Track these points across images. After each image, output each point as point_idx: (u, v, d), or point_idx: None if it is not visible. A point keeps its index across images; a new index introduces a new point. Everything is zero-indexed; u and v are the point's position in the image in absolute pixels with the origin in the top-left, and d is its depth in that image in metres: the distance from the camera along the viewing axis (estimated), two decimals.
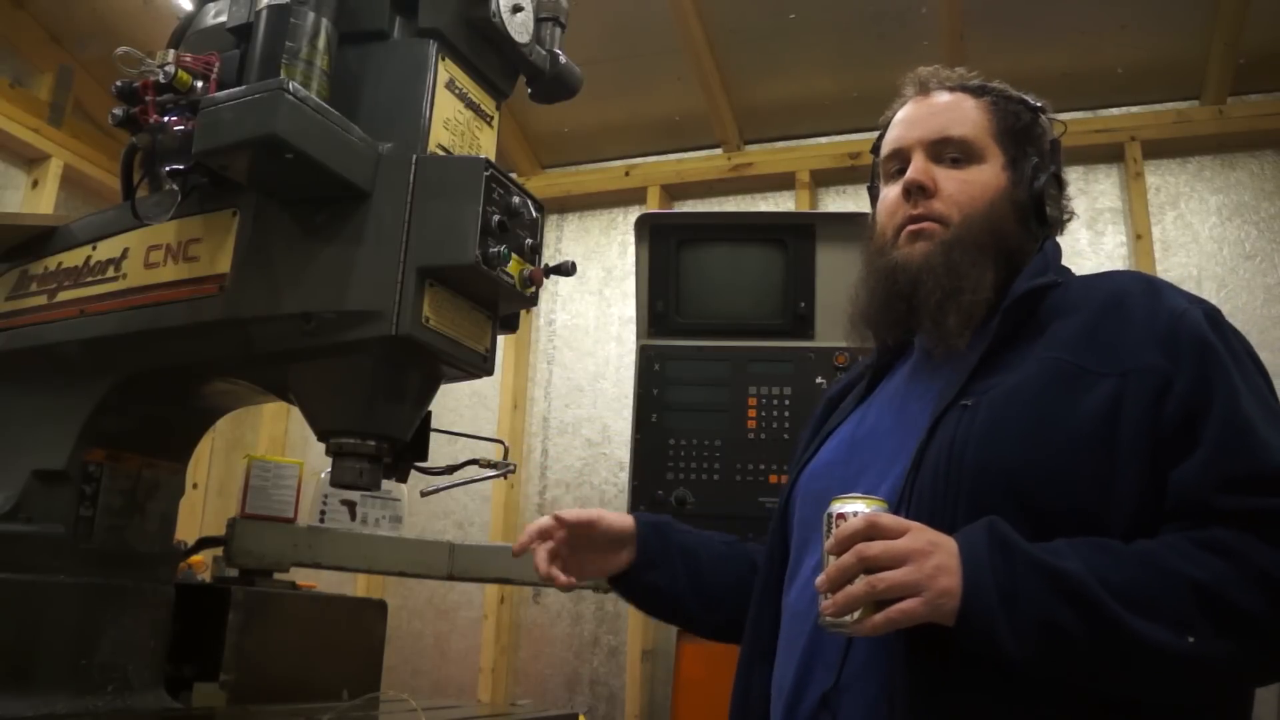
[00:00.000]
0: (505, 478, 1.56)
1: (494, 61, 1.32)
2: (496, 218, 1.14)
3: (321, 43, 1.15)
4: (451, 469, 1.47)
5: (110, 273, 1.32)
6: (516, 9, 1.28)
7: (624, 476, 3.16)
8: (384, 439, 1.25)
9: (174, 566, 1.53)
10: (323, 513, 2.05)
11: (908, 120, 1.14)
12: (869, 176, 1.23)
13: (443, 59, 1.23)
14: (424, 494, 1.60)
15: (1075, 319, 0.98)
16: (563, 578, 1.11)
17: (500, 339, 1.35)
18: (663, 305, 2.20)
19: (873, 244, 1.13)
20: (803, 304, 2.14)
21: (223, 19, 1.25)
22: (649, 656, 3.05)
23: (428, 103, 1.21)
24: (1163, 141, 2.99)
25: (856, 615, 0.84)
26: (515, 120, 3.47)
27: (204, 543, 1.81)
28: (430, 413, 1.35)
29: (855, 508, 0.87)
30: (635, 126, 3.46)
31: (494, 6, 1.24)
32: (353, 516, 2.07)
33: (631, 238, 2.47)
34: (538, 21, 1.35)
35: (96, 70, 3.26)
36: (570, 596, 3.24)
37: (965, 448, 0.92)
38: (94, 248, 1.35)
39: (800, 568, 1.05)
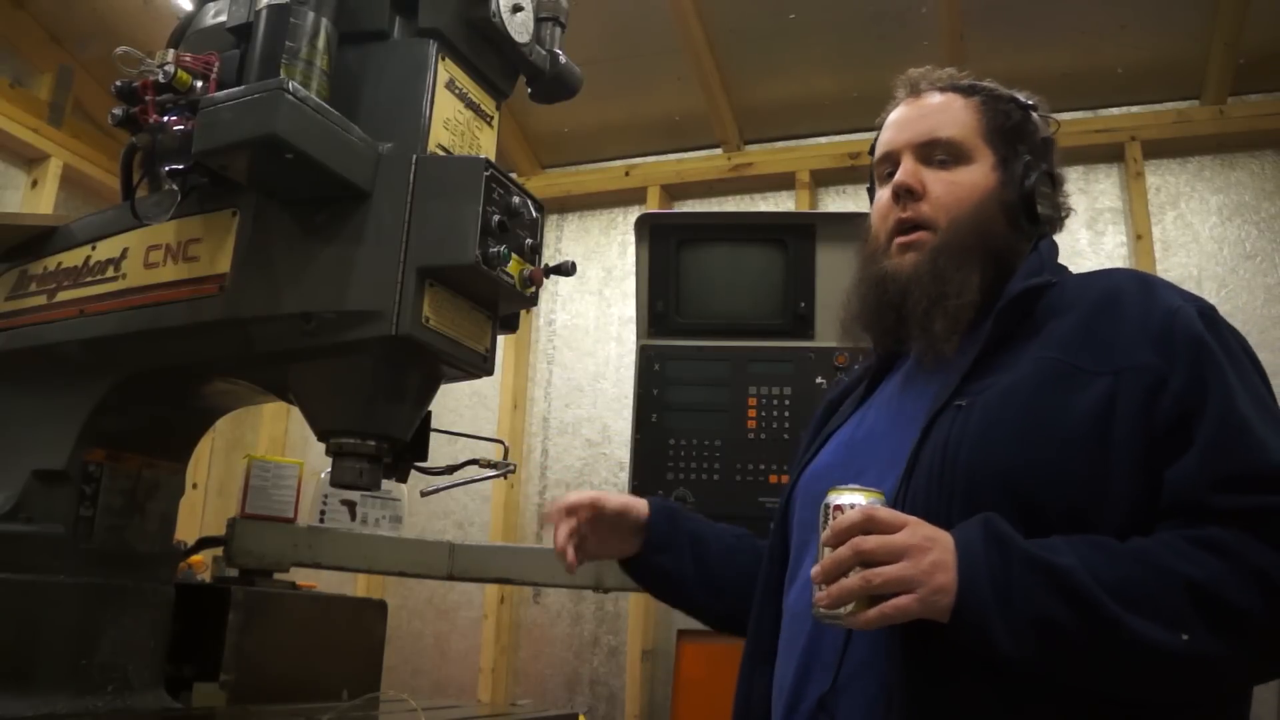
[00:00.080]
0: (505, 478, 1.57)
1: (494, 61, 1.32)
2: (496, 218, 1.14)
3: (321, 43, 1.15)
4: (451, 469, 1.47)
5: (110, 273, 1.32)
6: (516, 9, 1.28)
7: (624, 476, 3.16)
8: (384, 439, 1.25)
9: (174, 566, 1.53)
10: (323, 513, 2.05)
11: (898, 123, 1.14)
12: (868, 177, 1.24)
13: (443, 59, 1.23)
14: (424, 494, 1.61)
15: (1070, 318, 0.98)
16: (572, 555, 1.14)
17: (500, 339, 1.35)
18: (663, 305, 2.20)
19: (866, 248, 1.14)
20: (803, 304, 2.14)
21: (222, 19, 1.25)
22: (649, 656, 3.05)
23: (428, 103, 1.21)
24: (1163, 141, 2.99)
25: (850, 608, 0.84)
26: (515, 120, 3.47)
27: (204, 543, 1.81)
28: (430, 413, 1.35)
29: (852, 499, 0.87)
30: (635, 126, 3.46)
31: (494, 6, 1.24)
32: (353, 516, 2.07)
33: (631, 238, 2.47)
34: (538, 21, 1.34)
35: (96, 70, 3.26)
36: (570, 596, 3.24)
37: (959, 448, 0.92)
38: (94, 248, 1.35)
39: (800, 569, 1.05)
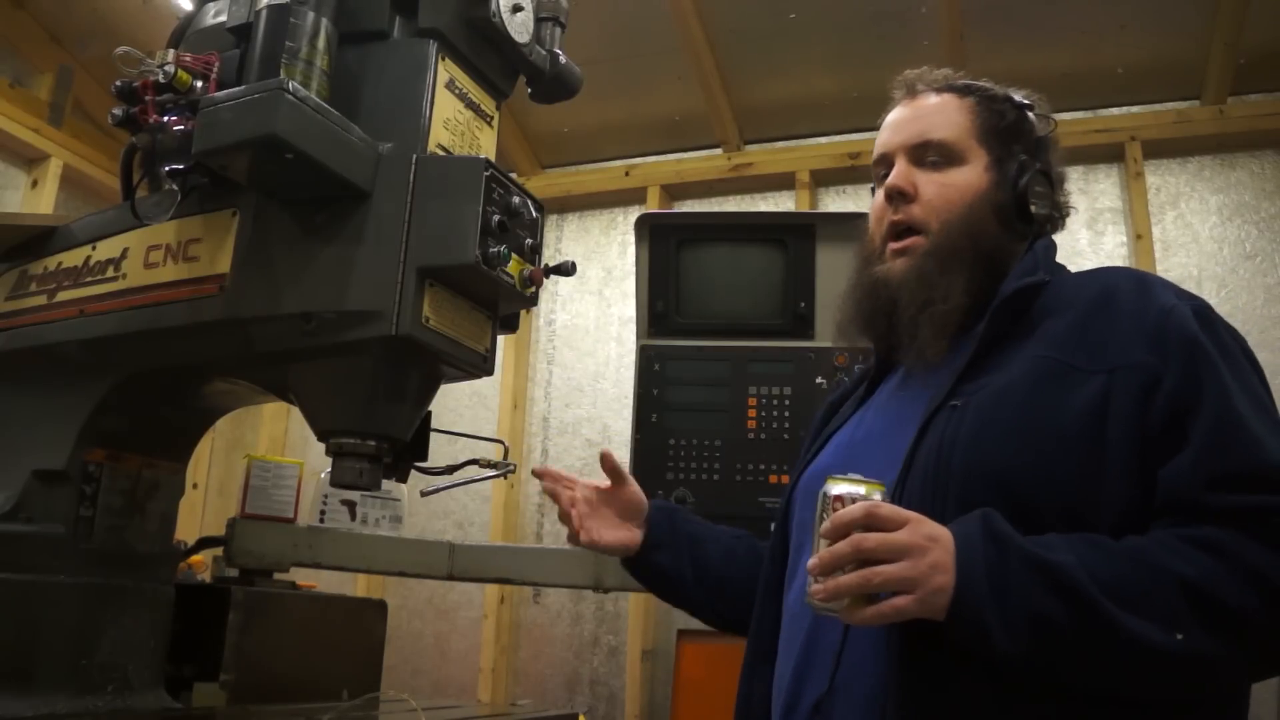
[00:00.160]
0: (505, 478, 1.57)
1: (494, 61, 1.32)
2: (496, 218, 1.14)
3: (321, 43, 1.15)
4: (451, 469, 1.47)
5: (110, 273, 1.32)
6: (516, 9, 1.28)
7: None
8: (384, 439, 1.25)
9: (174, 566, 1.53)
10: (323, 513, 2.05)
11: (893, 125, 1.14)
12: (869, 176, 1.24)
13: (443, 59, 1.23)
14: (424, 494, 1.60)
15: (1066, 317, 0.97)
16: (577, 523, 1.23)
17: (500, 339, 1.35)
18: (663, 305, 2.20)
19: (863, 250, 1.15)
20: (803, 304, 2.14)
21: (222, 19, 1.25)
22: (649, 656, 3.05)
23: (428, 103, 1.21)
24: (1163, 141, 2.99)
25: (845, 602, 0.83)
26: (515, 120, 3.47)
27: (204, 543, 1.81)
28: (430, 413, 1.35)
29: (850, 489, 0.87)
30: (635, 126, 3.46)
31: (494, 6, 1.24)
32: (353, 516, 2.07)
33: (631, 238, 2.47)
34: (538, 21, 1.34)
35: (96, 70, 3.26)
36: (570, 596, 3.24)
37: (953, 449, 0.92)
38: (94, 248, 1.35)
39: (798, 570, 1.05)
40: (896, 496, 0.92)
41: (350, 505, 2.06)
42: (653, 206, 3.40)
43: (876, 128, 1.19)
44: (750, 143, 3.43)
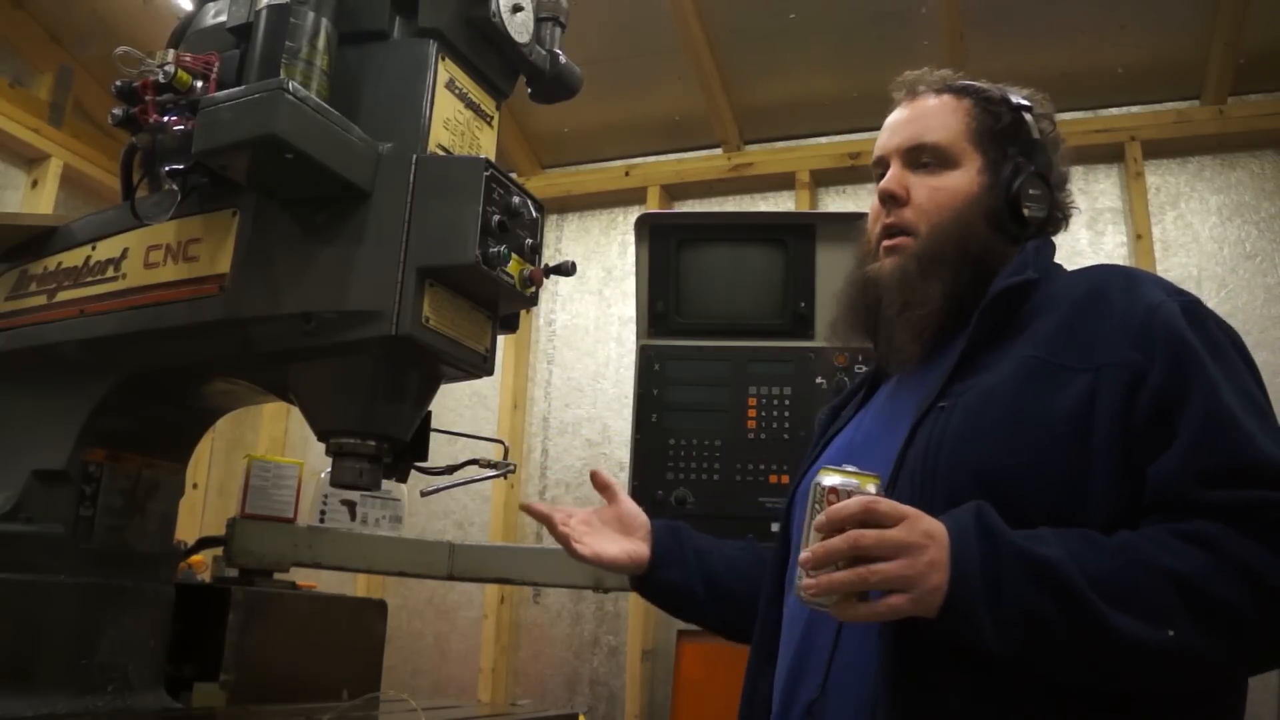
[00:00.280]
0: (505, 478, 1.56)
1: (494, 61, 1.32)
2: (496, 218, 1.14)
3: (321, 43, 1.15)
4: (451, 469, 1.46)
5: (110, 273, 1.32)
6: (516, 9, 1.28)
7: (624, 476, 3.14)
8: (384, 439, 1.25)
9: (174, 566, 1.53)
10: (323, 513, 2.04)
11: (890, 127, 1.15)
12: (869, 176, 1.24)
13: (443, 59, 1.23)
14: (424, 494, 1.60)
15: (1055, 316, 0.97)
16: (573, 538, 1.19)
17: (500, 339, 1.35)
18: (663, 305, 2.20)
19: (860, 250, 1.15)
20: (803, 304, 2.14)
21: (222, 19, 1.25)
22: (649, 656, 3.05)
23: (428, 103, 1.20)
24: (1163, 141, 2.99)
25: (837, 598, 0.82)
26: (515, 120, 3.47)
27: (204, 543, 1.81)
28: (430, 413, 1.35)
29: (845, 481, 0.85)
30: (635, 126, 3.46)
31: (494, 6, 1.24)
32: (353, 516, 2.07)
33: (631, 238, 2.47)
34: (538, 21, 1.34)
35: (96, 70, 3.26)
36: (570, 596, 3.24)
37: (939, 450, 0.92)
38: (94, 248, 1.35)
39: (797, 571, 1.05)
40: (889, 497, 0.92)
41: (350, 505, 2.06)
42: (653, 206, 3.40)
43: (876, 128, 1.19)
44: (750, 143, 3.43)
